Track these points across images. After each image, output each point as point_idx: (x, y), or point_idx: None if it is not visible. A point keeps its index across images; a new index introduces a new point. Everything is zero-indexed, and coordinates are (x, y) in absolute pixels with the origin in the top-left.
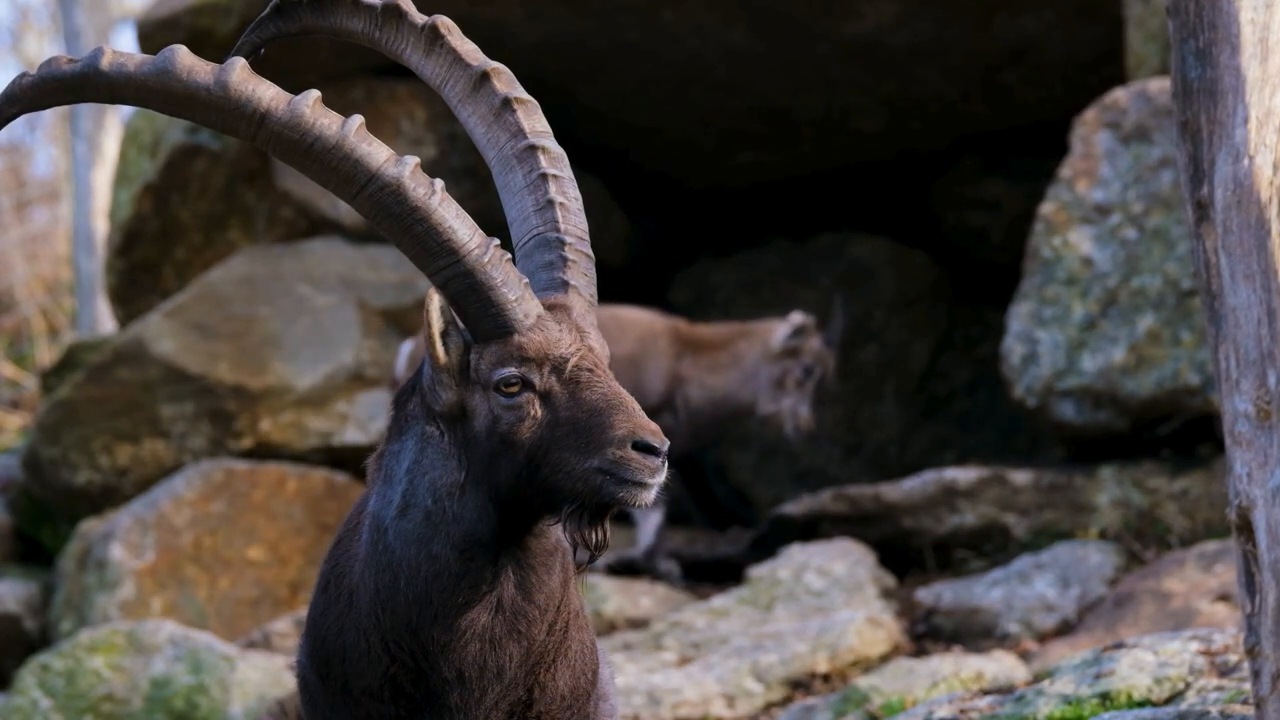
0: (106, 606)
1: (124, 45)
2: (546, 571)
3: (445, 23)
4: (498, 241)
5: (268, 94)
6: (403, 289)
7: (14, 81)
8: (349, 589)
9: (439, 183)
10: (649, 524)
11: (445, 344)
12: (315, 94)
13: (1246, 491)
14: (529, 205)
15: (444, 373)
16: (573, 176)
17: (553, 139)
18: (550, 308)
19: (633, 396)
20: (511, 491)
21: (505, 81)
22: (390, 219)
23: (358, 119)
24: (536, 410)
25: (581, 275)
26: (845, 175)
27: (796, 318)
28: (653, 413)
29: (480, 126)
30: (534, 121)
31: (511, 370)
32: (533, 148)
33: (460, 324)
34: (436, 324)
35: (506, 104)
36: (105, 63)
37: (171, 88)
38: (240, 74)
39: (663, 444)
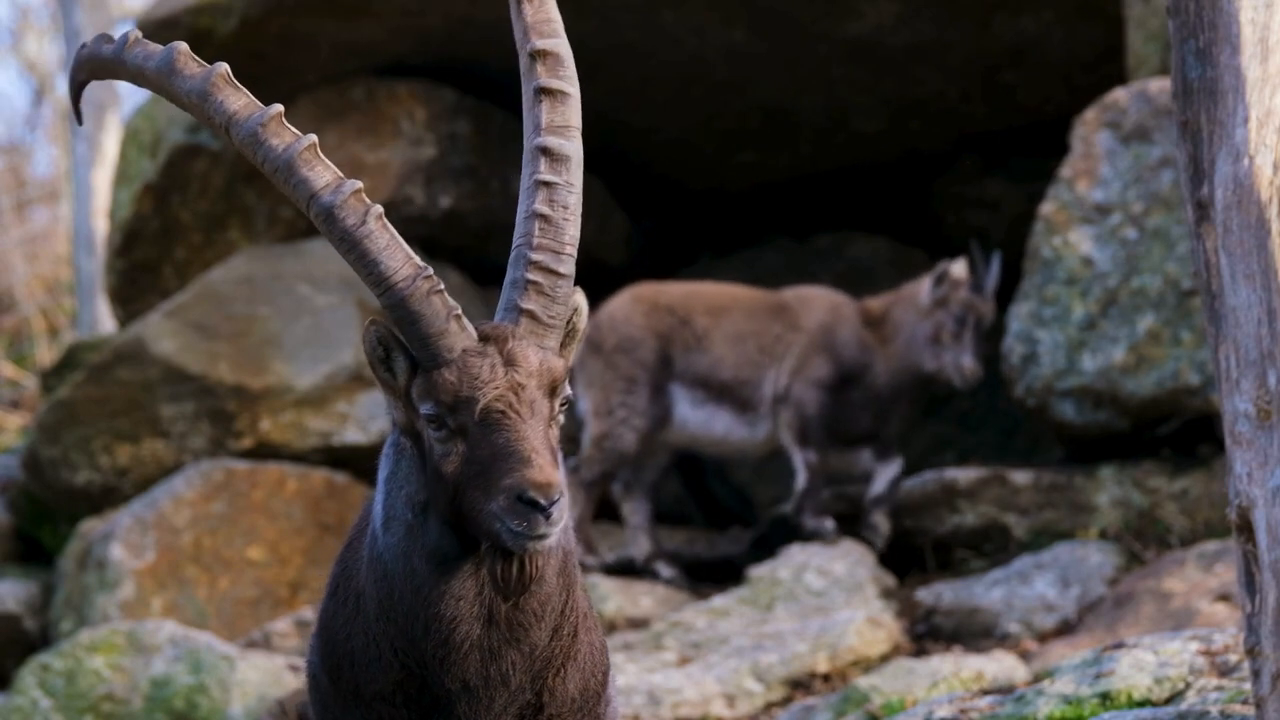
0: (106, 606)
1: None
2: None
3: None
4: (429, 271)
5: (236, 105)
6: None
7: (78, 51)
8: (355, 593)
9: (375, 210)
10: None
11: (391, 368)
12: (277, 109)
13: (1246, 491)
14: (522, 211)
15: (391, 394)
16: (576, 180)
17: (565, 137)
18: (485, 338)
19: (827, 363)
20: (452, 518)
21: (548, 67)
22: (333, 241)
23: (309, 139)
24: (459, 446)
25: (541, 296)
26: (845, 175)
27: (940, 265)
28: (851, 379)
29: (524, 110)
30: (554, 116)
31: (429, 406)
32: (539, 149)
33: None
34: (371, 352)
35: (536, 94)
36: (128, 50)
37: (166, 87)
38: (216, 80)
39: (549, 499)
